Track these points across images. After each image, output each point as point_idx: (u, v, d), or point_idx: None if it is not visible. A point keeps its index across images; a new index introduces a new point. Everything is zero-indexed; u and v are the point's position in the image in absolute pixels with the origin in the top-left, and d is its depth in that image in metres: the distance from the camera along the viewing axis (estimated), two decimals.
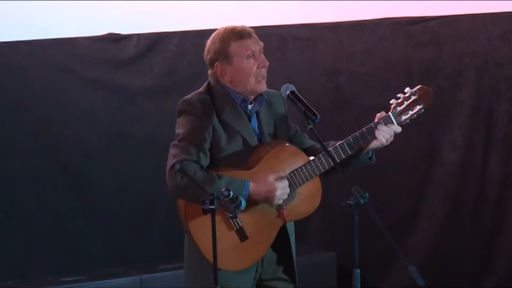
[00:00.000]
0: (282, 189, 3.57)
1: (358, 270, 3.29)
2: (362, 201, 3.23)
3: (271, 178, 3.56)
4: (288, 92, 3.59)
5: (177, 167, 3.35)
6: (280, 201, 3.59)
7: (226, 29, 3.66)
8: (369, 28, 6.21)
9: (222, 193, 3.28)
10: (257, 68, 3.62)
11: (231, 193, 3.30)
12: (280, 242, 3.68)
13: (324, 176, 3.72)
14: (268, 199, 3.57)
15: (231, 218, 3.45)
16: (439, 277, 6.03)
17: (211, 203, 3.25)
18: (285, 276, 3.73)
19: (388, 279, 6.19)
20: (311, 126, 3.45)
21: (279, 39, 6.13)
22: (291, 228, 3.72)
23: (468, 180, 6.12)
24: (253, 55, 3.63)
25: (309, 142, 3.81)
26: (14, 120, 5.78)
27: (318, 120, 3.48)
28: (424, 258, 6.08)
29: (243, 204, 3.39)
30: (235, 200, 3.35)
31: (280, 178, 3.59)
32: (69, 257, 5.86)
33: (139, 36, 6.08)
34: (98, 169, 5.96)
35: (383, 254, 5.94)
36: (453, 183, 6.13)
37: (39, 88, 5.86)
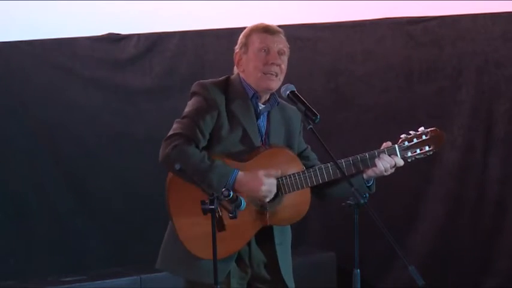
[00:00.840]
0: (268, 186, 3.53)
1: (358, 270, 3.29)
2: (362, 201, 3.23)
3: (260, 173, 3.54)
4: (288, 92, 3.59)
5: (177, 167, 3.35)
6: (265, 198, 3.55)
7: (258, 23, 3.72)
8: (369, 28, 6.22)
9: (222, 193, 3.28)
10: (266, 64, 3.62)
11: (231, 193, 3.29)
12: (270, 249, 3.67)
13: (316, 197, 3.71)
14: (253, 191, 3.52)
15: (230, 218, 3.45)
16: (439, 277, 6.03)
17: (211, 203, 3.25)
18: (277, 282, 3.70)
19: (388, 279, 6.19)
20: (311, 126, 3.45)
21: None
22: (283, 237, 3.70)
23: (468, 180, 6.12)
24: (268, 51, 3.64)
25: (315, 161, 3.78)
26: (14, 120, 5.79)
27: (318, 120, 3.47)
28: (424, 258, 6.08)
29: (243, 204, 3.39)
30: (235, 200, 3.35)
31: (270, 175, 3.56)
32: (69, 257, 5.86)
33: (139, 36, 6.09)
34: (98, 169, 5.96)
35: (383, 254, 5.94)
36: (453, 183, 6.14)
37: (39, 88, 5.87)
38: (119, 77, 6.07)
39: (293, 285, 3.73)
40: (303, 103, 3.53)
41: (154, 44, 6.12)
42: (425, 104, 6.07)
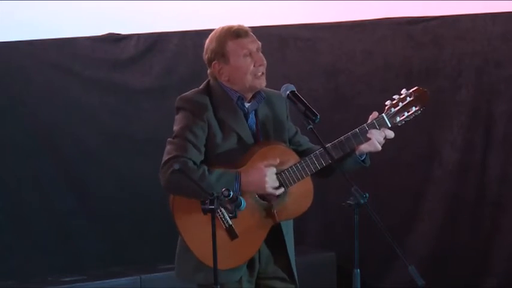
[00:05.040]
0: (271, 174, 3.56)
1: (358, 270, 3.29)
2: (362, 201, 3.23)
3: (260, 165, 3.56)
4: (288, 92, 3.59)
5: (176, 166, 3.36)
6: (270, 190, 3.56)
7: (223, 28, 3.68)
8: (369, 28, 6.21)
9: (222, 193, 3.28)
10: (254, 66, 3.62)
11: (231, 193, 3.30)
12: (276, 242, 3.67)
13: (320, 178, 3.71)
14: (259, 186, 3.54)
15: (230, 217, 3.45)
16: (438, 277, 6.03)
17: (211, 203, 3.25)
18: (284, 276, 3.72)
19: (388, 279, 6.19)
20: (311, 126, 3.45)
21: (279, 39, 6.13)
22: (287, 228, 3.71)
23: (468, 180, 6.12)
24: (250, 54, 3.63)
25: (308, 144, 3.79)
26: (14, 120, 5.79)
27: (318, 120, 3.47)
28: (424, 258, 6.08)
29: (243, 204, 3.39)
30: (235, 200, 3.35)
31: (270, 165, 3.57)
32: (69, 257, 5.86)
33: (139, 36, 6.09)
34: (97, 169, 5.96)
35: (383, 254, 5.94)
36: (453, 183, 6.13)
37: (39, 88, 5.87)
38: (118, 77, 6.07)
39: (296, 277, 3.74)
40: (303, 103, 3.53)
41: (154, 44, 6.12)
42: None
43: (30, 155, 5.82)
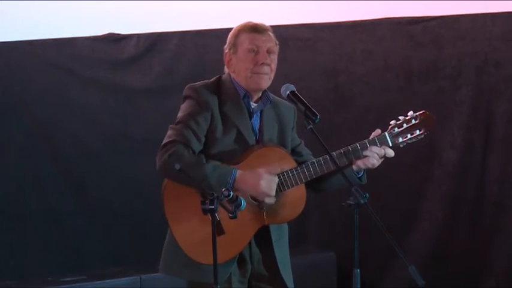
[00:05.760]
0: (267, 181, 3.54)
1: (358, 270, 3.29)
2: (362, 201, 3.23)
3: (260, 170, 3.55)
4: (288, 92, 3.59)
5: (177, 166, 3.36)
6: (265, 196, 3.54)
7: (245, 22, 3.71)
8: (369, 28, 6.22)
9: (222, 193, 3.28)
10: (256, 65, 3.62)
11: (231, 193, 3.29)
12: (266, 246, 3.67)
13: (313, 191, 3.71)
14: (252, 188, 3.53)
15: (230, 218, 3.45)
16: (439, 277, 6.03)
17: (211, 203, 3.25)
18: (272, 280, 3.70)
19: (388, 279, 6.19)
20: (311, 126, 3.45)
21: (279, 39, 6.12)
22: (280, 234, 3.69)
23: (467, 180, 6.13)
24: (257, 51, 3.63)
25: (309, 157, 3.78)
26: (14, 120, 5.79)
27: (318, 120, 3.47)
28: (424, 258, 6.08)
29: (243, 204, 3.39)
30: (235, 200, 3.35)
31: (270, 172, 3.57)
32: (69, 257, 5.86)
33: (139, 36, 6.09)
34: (97, 169, 5.96)
35: (383, 254, 5.94)
36: (453, 183, 6.14)
37: (39, 88, 5.87)
38: (118, 77, 6.07)
39: (291, 282, 3.72)
40: (303, 103, 3.53)
41: (154, 44, 6.12)
42: (425, 104, 6.03)
43: (30, 155, 5.82)
